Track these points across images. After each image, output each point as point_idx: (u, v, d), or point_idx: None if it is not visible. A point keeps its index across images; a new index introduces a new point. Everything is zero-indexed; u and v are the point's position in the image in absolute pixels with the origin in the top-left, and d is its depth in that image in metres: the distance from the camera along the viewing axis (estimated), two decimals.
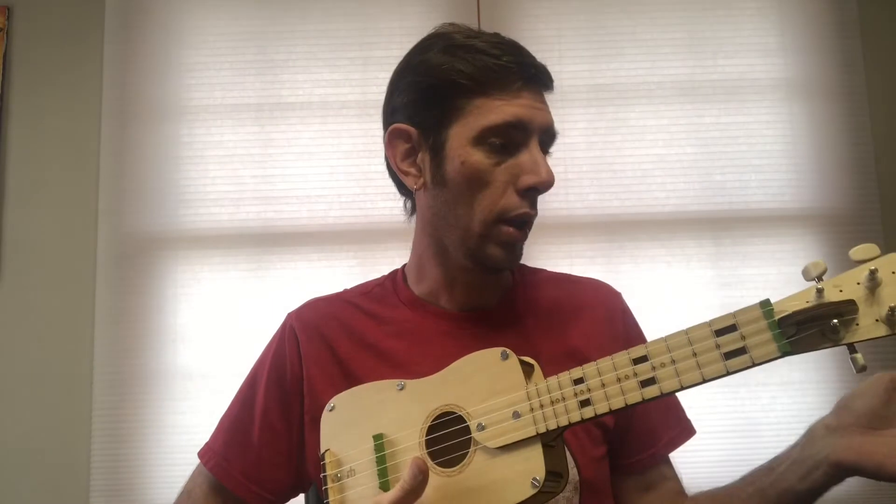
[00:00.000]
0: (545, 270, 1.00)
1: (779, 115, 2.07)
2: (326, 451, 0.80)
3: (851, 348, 0.56)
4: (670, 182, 2.04)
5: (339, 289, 0.99)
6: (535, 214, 0.84)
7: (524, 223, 0.84)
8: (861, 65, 2.08)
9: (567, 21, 2.09)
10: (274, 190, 2.03)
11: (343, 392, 0.82)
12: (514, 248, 0.85)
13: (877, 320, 0.54)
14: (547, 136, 0.86)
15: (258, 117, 2.07)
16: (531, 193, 0.83)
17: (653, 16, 2.10)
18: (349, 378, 0.88)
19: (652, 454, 0.91)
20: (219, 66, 2.08)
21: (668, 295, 1.97)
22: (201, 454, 0.93)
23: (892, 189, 2.03)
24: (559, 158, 2.04)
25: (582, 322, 0.91)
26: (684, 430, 0.94)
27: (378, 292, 0.96)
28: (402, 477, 0.67)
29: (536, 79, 0.84)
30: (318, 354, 0.91)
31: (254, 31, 2.10)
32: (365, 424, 0.78)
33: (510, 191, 0.82)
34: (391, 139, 0.88)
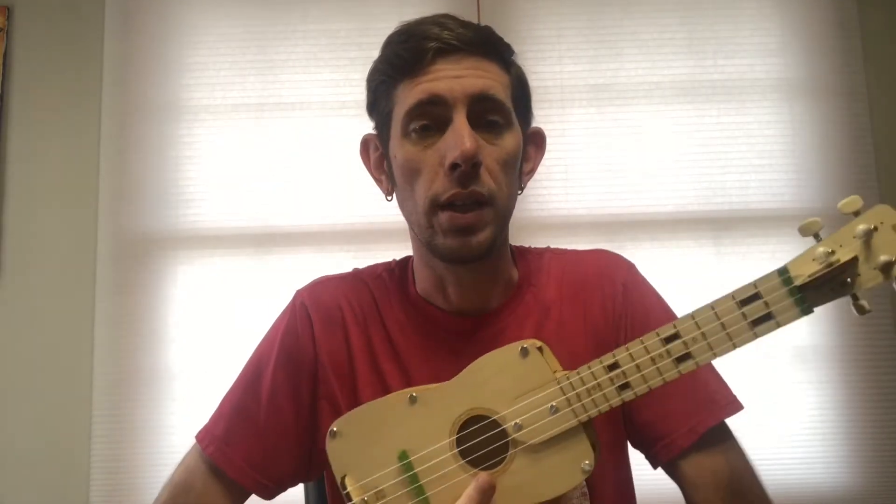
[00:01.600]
0: (548, 251, 0.94)
1: (779, 115, 2.07)
2: (344, 477, 0.76)
3: (854, 297, 0.62)
4: (670, 182, 2.04)
5: None
6: (482, 190, 0.75)
7: (475, 204, 0.75)
8: (861, 65, 2.08)
9: (567, 21, 2.09)
10: (274, 190, 2.03)
11: (344, 416, 0.78)
12: (467, 233, 0.76)
13: (874, 268, 0.60)
14: (480, 104, 0.76)
15: (258, 117, 2.06)
16: (457, 171, 0.74)
17: (653, 16, 2.10)
18: (352, 374, 0.86)
19: (667, 444, 0.82)
20: (219, 66, 2.08)
21: (667, 295, 1.96)
22: (200, 438, 0.88)
23: (893, 189, 2.03)
24: (559, 158, 2.06)
25: (582, 316, 0.87)
26: (715, 410, 0.83)
27: (386, 278, 0.92)
28: (467, 493, 0.67)
29: (454, 47, 0.76)
30: (331, 342, 0.87)
31: (254, 31, 2.10)
32: (383, 444, 0.74)
33: (441, 173, 0.75)
34: (363, 149, 0.89)
